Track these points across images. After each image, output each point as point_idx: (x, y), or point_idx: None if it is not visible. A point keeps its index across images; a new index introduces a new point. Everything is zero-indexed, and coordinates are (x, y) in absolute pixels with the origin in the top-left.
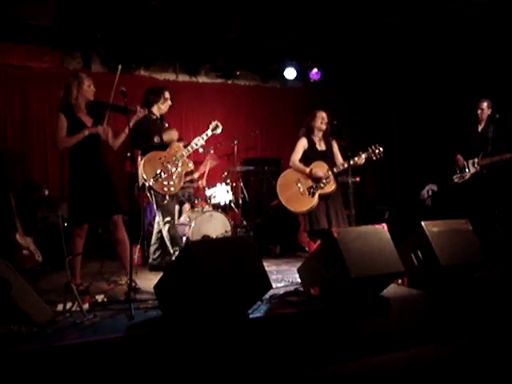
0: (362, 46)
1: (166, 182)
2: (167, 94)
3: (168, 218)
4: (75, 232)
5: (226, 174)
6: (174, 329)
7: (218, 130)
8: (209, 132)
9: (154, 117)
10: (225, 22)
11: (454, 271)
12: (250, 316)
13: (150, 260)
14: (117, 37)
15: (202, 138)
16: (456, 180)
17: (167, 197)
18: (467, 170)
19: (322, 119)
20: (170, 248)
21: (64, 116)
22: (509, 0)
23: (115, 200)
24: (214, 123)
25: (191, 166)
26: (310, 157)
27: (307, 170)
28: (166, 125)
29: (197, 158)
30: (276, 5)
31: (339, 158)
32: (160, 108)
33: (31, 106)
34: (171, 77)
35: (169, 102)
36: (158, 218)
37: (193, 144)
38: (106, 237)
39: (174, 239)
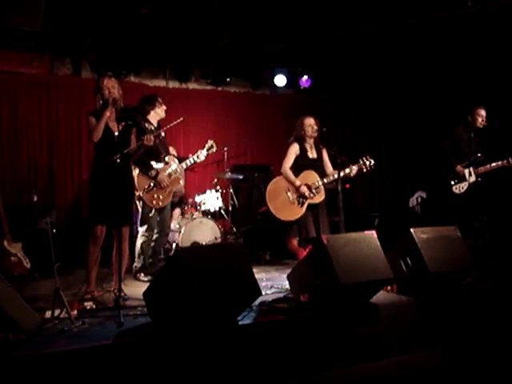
0: (352, 53)
1: (155, 195)
2: (160, 99)
3: (147, 233)
4: (90, 239)
5: (215, 180)
6: (163, 336)
7: (214, 150)
8: (204, 152)
9: (151, 126)
10: (215, 28)
11: (442, 278)
12: (240, 323)
13: None
14: (107, 43)
15: (198, 157)
16: (456, 191)
17: (153, 210)
18: (467, 180)
19: (310, 126)
20: (136, 257)
21: (93, 117)
22: (494, 11)
23: (130, 211)
24: (209, 142)
25: (182, 183)
26: (301, 164)
27: (297, 183)
28: (163, 134)
29: None
30: (266, 12)
31: (329, 167)
32: (157, 113)
33: (20, 111)
34: (161, 83)
35: (164, 107)
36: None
37: (187, 161)
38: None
39: (142, 254)
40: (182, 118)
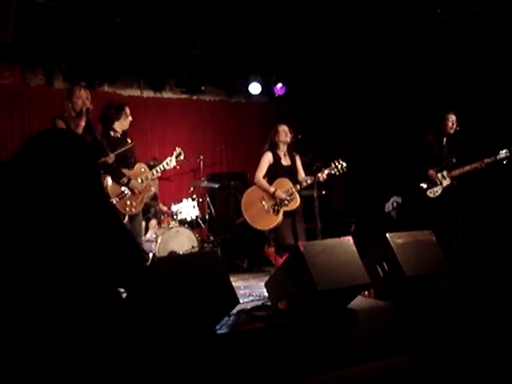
0: (325, 60)
1: (128, 202)
2: (128, 110)
3: None
4: None
5: (192, 189)
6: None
7: (181, 157)
8: (173, 159)
9: (116, 134)
10: (188, 37)
11: (418, 282)
12: (218, 332)
13: None
14: (80, 53)
15: (167, 164)
16: (431, 195)
17: (126, 217)
18: (440, 184)
19: (284, 132)
20: None
21: (62, 121)
22: (463, 18)
23: None
24: (177, 150)
25: (153, 189)
26: (275, 172)
27: (271, 190)
28: (129, 140)
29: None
30: (239, 21)
31: (302, 174)
32: (122, 124)
33: None
34: (136, 93)
35: (130, 118)
36: None
37: (157, 168)
38: None
39: None
40: (132, 144)
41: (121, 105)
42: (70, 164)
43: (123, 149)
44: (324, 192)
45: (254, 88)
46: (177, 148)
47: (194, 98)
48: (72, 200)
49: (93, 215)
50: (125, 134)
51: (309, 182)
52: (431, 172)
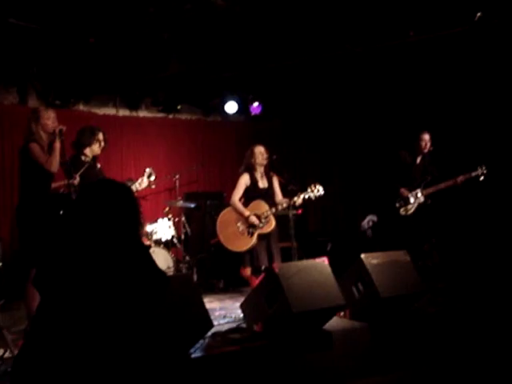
0: (301, 80)
1: None
2: (100, 136)
3: None
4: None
5: (167, 209)
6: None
7: (152, 178)
8: (144, 179)
9: (87, 158)
10: (164, 56)
11: (393, 303)
12: (192, 356)
13: None
14: (54, 72)
15: (139, 184)
16: (403, 213)
17: None
18: (412, 202)
19: (261, 154)
20: None
21: (36, 144)
22: (437, 39)
23: None
24: (147, 171)
25: None
26: (251, 195)
27: (246, 213)
28: (99, 165)
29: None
30: (216, 40)
31: (279, 195)
32: (93, 150)
33: None
34: (111, 111)
35: (102, 144)
36: None
37: None
38: None
39: None
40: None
41: (93, 131)
42: (117, 208)
43: (83, 168)
44: (300, 212)
45: (231, 107)
46: (147, 168)
47: (170, 116)
48: (114, 233)
49: (129, 247)
50: (95, 158)
51: (284, 205)
52: (402, 190)
